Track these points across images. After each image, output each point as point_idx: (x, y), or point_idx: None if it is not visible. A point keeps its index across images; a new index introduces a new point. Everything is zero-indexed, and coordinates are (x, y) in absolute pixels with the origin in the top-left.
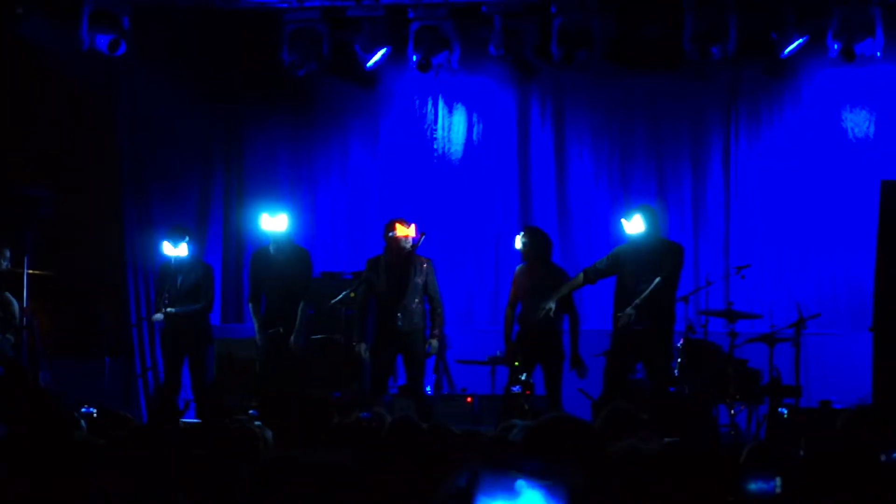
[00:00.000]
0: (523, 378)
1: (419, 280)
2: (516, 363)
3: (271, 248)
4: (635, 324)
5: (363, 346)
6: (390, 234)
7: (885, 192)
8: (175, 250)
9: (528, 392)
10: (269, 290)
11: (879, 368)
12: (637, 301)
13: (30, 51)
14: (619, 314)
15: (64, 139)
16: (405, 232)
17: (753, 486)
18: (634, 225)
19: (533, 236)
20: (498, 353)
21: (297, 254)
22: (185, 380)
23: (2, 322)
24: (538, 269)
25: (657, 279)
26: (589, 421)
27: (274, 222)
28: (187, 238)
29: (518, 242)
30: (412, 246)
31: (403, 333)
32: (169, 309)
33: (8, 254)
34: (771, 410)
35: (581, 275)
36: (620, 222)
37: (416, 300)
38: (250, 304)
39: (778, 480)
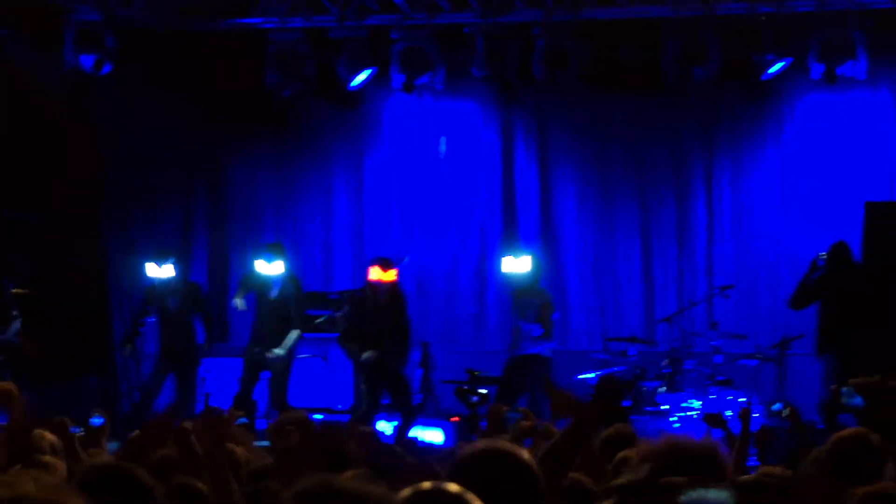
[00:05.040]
0: None
1: (393, 312)
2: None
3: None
4: None
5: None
6: (369, 272)
7: (869, 213)
8: (160, 270)
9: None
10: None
11: None
12: None
13: (10, 72)
14: None
15: (46, 160)
16: (378, 276)
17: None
18: None
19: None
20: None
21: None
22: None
23: None
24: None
25: None
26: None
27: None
28: (172, 259)
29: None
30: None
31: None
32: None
33: None
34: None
35: None
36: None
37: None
38: None
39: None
